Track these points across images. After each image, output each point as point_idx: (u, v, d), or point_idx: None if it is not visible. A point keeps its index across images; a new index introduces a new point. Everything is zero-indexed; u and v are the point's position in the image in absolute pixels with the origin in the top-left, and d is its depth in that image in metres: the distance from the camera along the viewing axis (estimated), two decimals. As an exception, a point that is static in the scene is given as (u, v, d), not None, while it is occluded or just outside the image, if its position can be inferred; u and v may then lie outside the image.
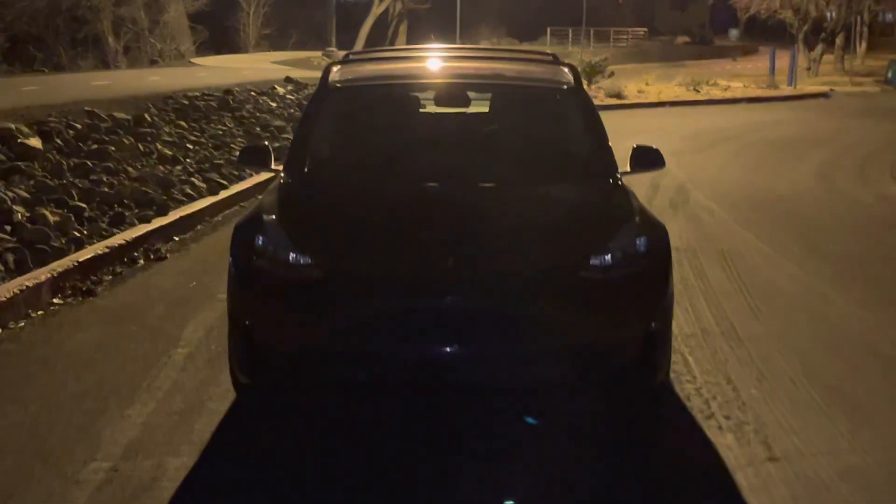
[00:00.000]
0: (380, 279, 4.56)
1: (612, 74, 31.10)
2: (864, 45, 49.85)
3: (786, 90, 32.54)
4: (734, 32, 65.94)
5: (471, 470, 4.41)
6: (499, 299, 4.53)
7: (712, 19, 75.11)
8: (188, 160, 12.18)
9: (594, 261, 4.65)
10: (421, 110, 6.74)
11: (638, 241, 4.81)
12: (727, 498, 4.16)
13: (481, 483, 4.30)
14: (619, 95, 28.10)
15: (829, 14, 43.53)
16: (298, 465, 4.46)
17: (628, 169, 5.77)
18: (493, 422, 4.92)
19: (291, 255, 4.65)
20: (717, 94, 30.66)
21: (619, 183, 5.50)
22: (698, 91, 30.63)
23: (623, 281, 4.66)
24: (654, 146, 5.96)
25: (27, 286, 6.77)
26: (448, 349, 4.52)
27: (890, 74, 37.27)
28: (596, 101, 25.79)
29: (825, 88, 33.58)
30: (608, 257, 4.68)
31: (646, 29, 66.62)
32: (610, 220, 4.99)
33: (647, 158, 5.84)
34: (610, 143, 5.76)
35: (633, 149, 5.86)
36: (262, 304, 4.72)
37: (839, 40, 44.49)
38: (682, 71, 37.32)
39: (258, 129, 15.45)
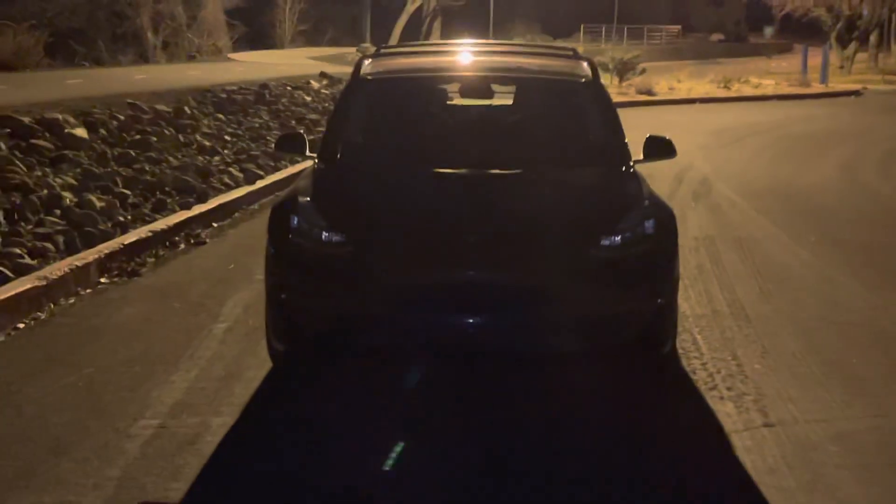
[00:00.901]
0: (406, 255, 4.96)
1: (643, 71, 31.29)
2: (899, 42, 49.68)
3: (817, 88, 32.61)
4: (769, 30, 65.77)
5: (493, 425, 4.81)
6: (516, 274, 4.92)
7: (748, 17, 74.90)
8: (226, 151, 12.65)
9: (605, 240, 5.01)
10: (448, 102, 7.11)
11: (646, 224, 5.16)
12: (722, 457, 4.50)
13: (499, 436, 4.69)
14: (649, 92, 28.35)
15: (863, 11, 43.43)
16: (328, 424, 4.86)
17: (641, 157, 6.11)
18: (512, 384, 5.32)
19: (324, 234, 5.04)
20: (747, 91, 30.81)
21: (632, 170, 5.85)
22: (729, 88, 30.80)
23: (632, 259, 5.03)
24: (667, 136, 6.26)
25: (77, 265, 7.21)
26: (469, 319, 4.90)
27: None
28: (626, 98, 26.29)
29: (857, 86, 33.59)
30: (618, 238, 5.04)
31: (680, 26, 66.48)
32: (621, 204, 5.34)
33: (659, 148, 6.15)
34: (625, 133, 6.10)
35: (647, 139, 6.18)
36: (296, 278, 5.11)
37: (873, 38, 44.37)
38: (715, 68, 37.50)
39: (293, 122, 15.91)
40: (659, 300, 5.07)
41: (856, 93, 32.00)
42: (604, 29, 57.66)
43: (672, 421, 4.97)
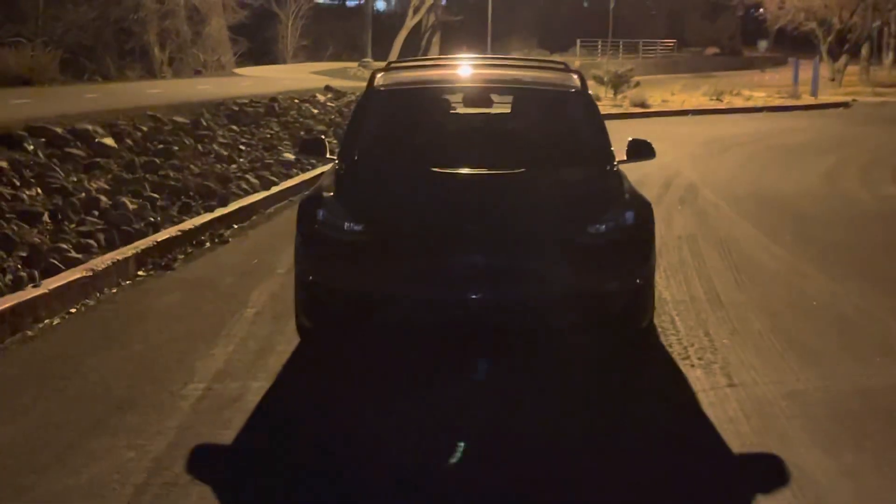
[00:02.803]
0: (417, 242, 5.74)
1: (637, 84, 32.12)
2: (891, 55, 50.47)
3: (807, 100, 33.42)
4: (763, 44, 66.57)
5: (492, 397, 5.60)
6: (514, 258, 5.70)
7: (743, 31, 75.82)
8: (242, 159, 13.47)
9: (591, 229, 5.81)
10: (451, 111, 7.90)
11: (627, 215, 5.96)
12: (689, 409, 5.29)
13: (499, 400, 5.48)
14: (643, 104, 29.21)
15: (854, 25, 44.28)
16: (350, 387, 5.65)
17: (625, 158, 6.90)
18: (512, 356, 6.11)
19: (346, 224, 5.82)
20: (739, 103, 31.68)
21: (615, 169, 6.64)
22: (721, 100, 31.68)
23: (614, 245, 5.82)
24: (647, 140, 7.05)
25: (117, 259, 7.99)
26: (473, 297, 5.69)
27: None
28: (621, 110, 27.07)
29: (846, 98, 34.40)
30: (602, 226, 5.83)
31: (675, 40, 67.39)
32: (605, 198, 6.15)
33: (640, 150, 6.95)
34: (611, 139, 6.88)
35: (629, 142, 6.98)
36: (322, 262, 5.89)
37: (864, 51, 45.21)
38: (709, 81, 38.29)
39: (302, 133, 16.70)
40: (637, 281, 5.85)
41: (845, 104, 32.77)
42: (600, 43, 58.56)
43: (649, 382, 5.77)
